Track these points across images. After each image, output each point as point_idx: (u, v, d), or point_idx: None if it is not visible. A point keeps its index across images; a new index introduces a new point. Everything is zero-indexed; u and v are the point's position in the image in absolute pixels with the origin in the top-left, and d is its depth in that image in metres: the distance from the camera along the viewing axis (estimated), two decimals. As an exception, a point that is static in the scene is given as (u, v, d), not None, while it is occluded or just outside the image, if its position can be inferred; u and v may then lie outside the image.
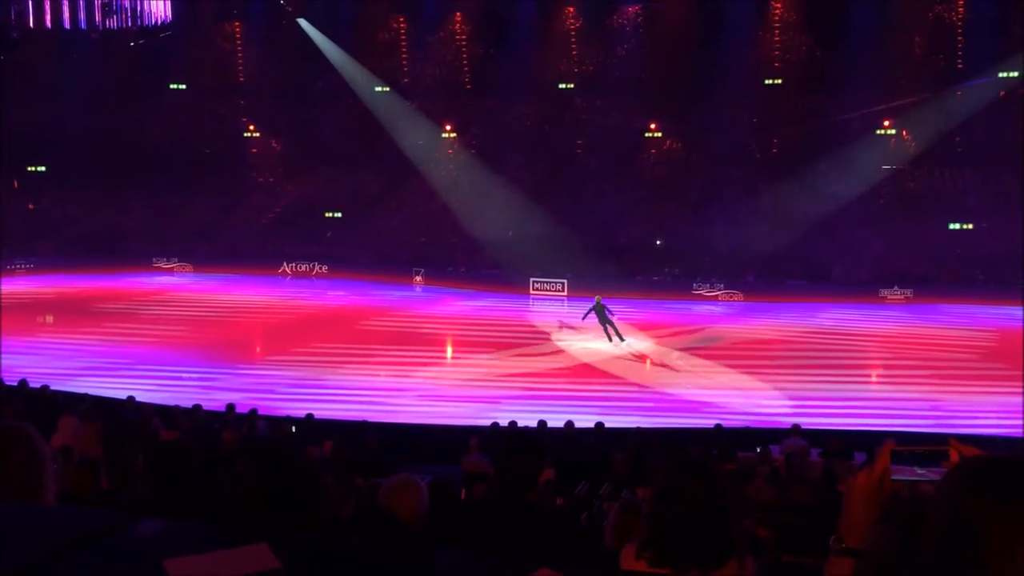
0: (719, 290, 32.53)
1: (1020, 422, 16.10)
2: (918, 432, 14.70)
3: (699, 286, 32.75)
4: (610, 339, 23.41)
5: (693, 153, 39.11)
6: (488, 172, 39.82)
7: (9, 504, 1.95)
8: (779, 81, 38.75)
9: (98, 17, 43.31)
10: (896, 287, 31.65)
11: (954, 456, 2.18)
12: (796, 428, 13.65)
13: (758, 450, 12.44)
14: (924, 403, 18.14)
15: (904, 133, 37.39)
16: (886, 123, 37.18)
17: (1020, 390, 17.87)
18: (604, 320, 23.47)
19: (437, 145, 41.49)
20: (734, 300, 31.99)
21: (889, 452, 2.20)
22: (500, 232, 37.23)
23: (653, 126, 39.57)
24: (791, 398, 18.59)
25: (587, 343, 23.88)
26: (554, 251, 34.84)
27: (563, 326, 26.99)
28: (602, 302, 23.64)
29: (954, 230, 34.47)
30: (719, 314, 29.87)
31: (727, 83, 37.06)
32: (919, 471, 2.29)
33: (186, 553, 1.46)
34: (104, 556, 1.50)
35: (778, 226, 34.86)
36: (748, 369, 21.07)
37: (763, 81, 38.72)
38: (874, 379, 21.87)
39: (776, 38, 39.04)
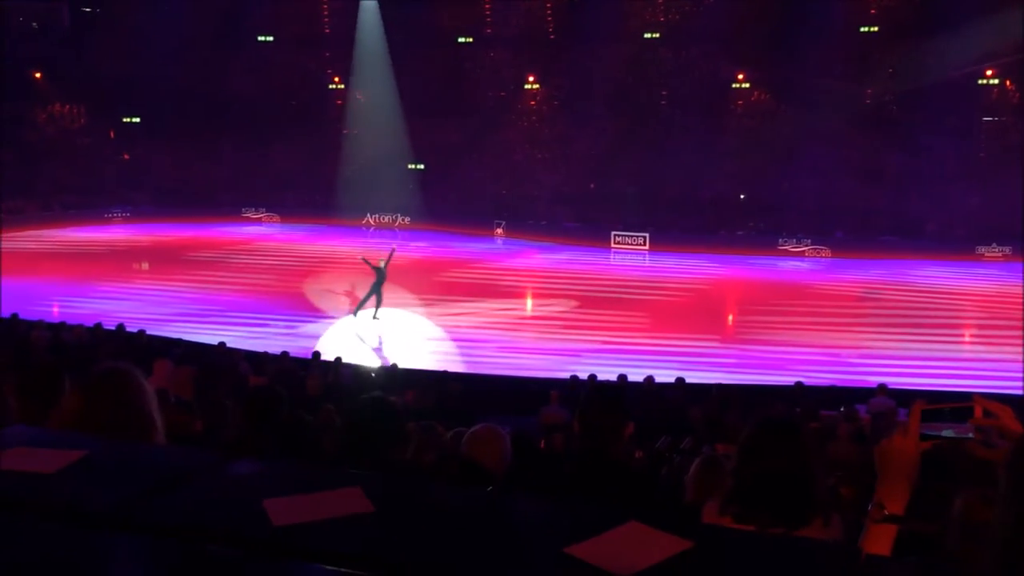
0: (806, 246, 31.79)
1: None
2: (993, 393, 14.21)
3: (785, 241, 32.05)
4: (361, 308, 20.75)
5: (782, 104, 38.01)
6: (570, 123, 39.48)
7: (114, 441, 2.03)
8: (875, 29, 37.23)
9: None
10: (994, 244, 30.47)
11: (978, 412, 2.11)
12: (883, 387, 13.34)
13: (841, 409, 12.21)
14: (1019, 365, 17.50)
15: (1008, 83, 35.64)
16: (988, 72, 35.47)
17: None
18: (378, 286, 20.53)
19: (519, 96, 41.25)
20: (821, 256, 31.24)
21: (920, 412, 2.13)
22: (582, 185, 36.97)
23: (740, 77, 38.54)
24: (879, 357, 18.15)
25: (667, 296, 23.68)
26: (636, 204, 34.50)
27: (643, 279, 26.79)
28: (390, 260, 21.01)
29: (1059, 185, 32.90)
30: (805, 270, 29.24)
31: (819, 32, 35.74)
32: (945, 428, 2.24)
33: (280, 494, 1.50)
34: (204, 494, 1.56)
35: (869, 180, 33.79)
36: (835, 327, 20.62)
37: (858, 29, 37.26)
38: (967, 339, 21.19)
39: (873, -18, 37.45)
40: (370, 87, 42.36)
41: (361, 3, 41.41)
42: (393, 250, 21.68)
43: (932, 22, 35.15)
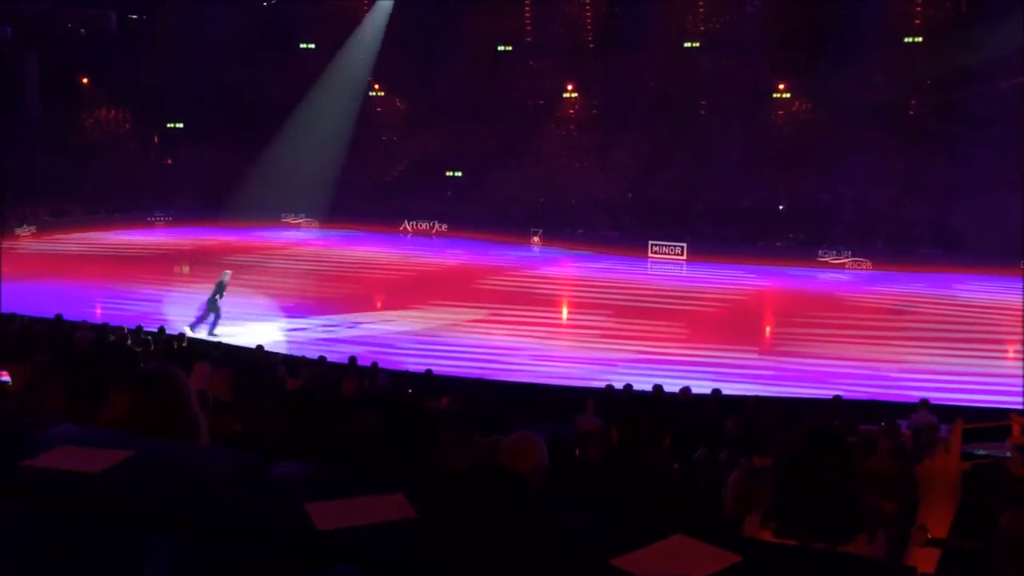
0: (846, 257, 31.42)
1: None
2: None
3: (825, 253, 31.69)
4: (199, 324, 19.79)
5: (822, 114, 37.63)
6: (609, 132, 39.43)
7: (160, 441, 2.05)
8: (919, 39, 36.76)
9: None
10: (1040, 258, 29.84)
11: (1016, 431, 2.06)
12: (925, 402, 13.11)
13: (882, 424, 12.02)
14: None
15: (1056, 95, 34.97)
16: (1036, 83, 34.85)
17: None
18: (213, 304, 19.93)
19: (558, 104, 41.28)
20: (862, 268, 30.85)
21: (961, 431, 2.08)
22: (620, 194, 36.87)
23: (781, 86, 38.26)
24: (920, 372, 17.88)
25: (703, 306, 23.52)
26: (674, 214, 34.33)
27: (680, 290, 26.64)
28: (226, 281, 20.39)
29: (1107, 199, 32.18)
30: (845, 282, 28.90)
31: (861, 42, 35.35)
32: (981, 448, 2.19)
33: (323, 498, 1.50)
34: (248, 495, 1.56)
35: (911, 191, 33.34)
36: (875, 340, 20.35)
37: (902, 39, 36.80)
38: (1011, 355, 20.78)
39: (918, -8, 37.02)
40: (410, 94, 42.60)
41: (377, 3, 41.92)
42: (227, 273, 20.85)
43: (976, 31, 34.63)
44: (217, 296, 19.92)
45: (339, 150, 41.19)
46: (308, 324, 21.33)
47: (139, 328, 16.70)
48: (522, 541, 1.38)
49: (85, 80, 42.10)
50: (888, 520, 6.18)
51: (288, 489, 1.62)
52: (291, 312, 22.64)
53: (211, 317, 19.83)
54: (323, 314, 22.54)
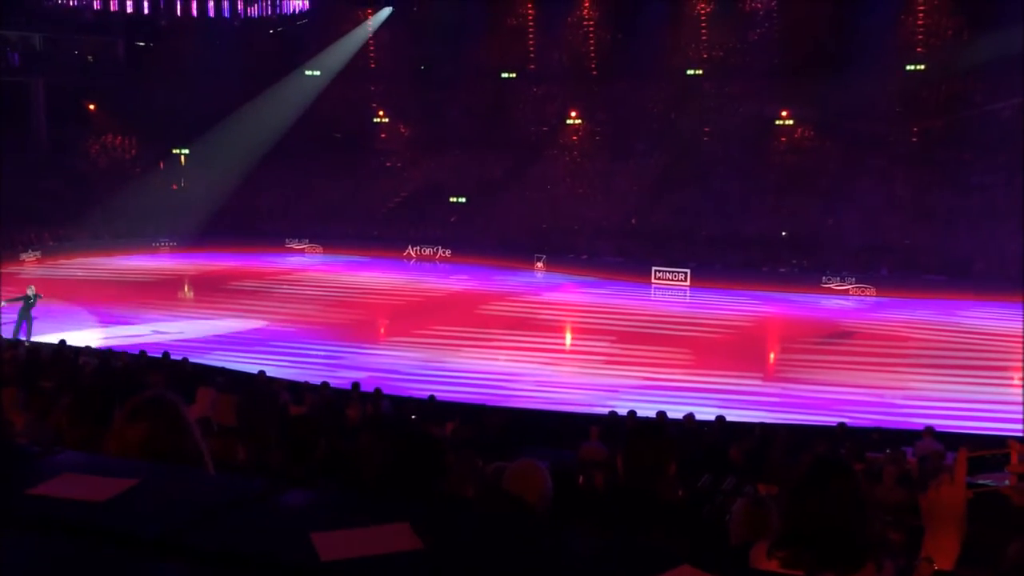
0: (850, 284, 31.38)
1: None
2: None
3: (829, 279, 31.67)
4: (16, 336, 20.20)
5: (826, 141, 37.78)
6: (612, 158, 39.57)
7: (166, 468, 2.05)
8: (922, 67, 36.94)
9: (240, 5, 45.18)
10: (1045, 285, 29.78)
11: (1015, 459, 2.04)
12: (930, 430, 13.05)
13: (887, 451, 11.95)
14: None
15: (1058, 122, 35.06)
16: (1038, 110, 34.95)
17: None
18: (25, 315, 20.80)
19: (562, 131, 41.47)
20: (866, 295, 30.81)
21: (966, 460, 2.06)
22: (623, 220, 36.96)
23: (784, 113, 38.42)
24: (924, 399, 17.81)
25: (707, 333, 23.46)
26: (677, 240, 34.37)
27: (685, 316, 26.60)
28: (35, 294, 21.09)
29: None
30: (850, 309, 28.85)
31: (865, 69, 35.55)
32: (985, 477, 2.16)
33: (328, 527, 1.49)
34: (253, 524, 1.55)
35: (915, 218, 33.35)
36: (879, 367, 20.28)
37: (905, 67, 37.00)
38: (1016, 383, 20.69)
39: (920, 21, 37.25)
40: (414, 120, 42.87)
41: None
42: (32, 287, 21.49)
43: (980, 60, 34.78)
44: (26, 307, 20.88)
45: (345, 176, 41.39)
46: (312, 350, 21.32)
47: (142, 353, 16.69)
48: (529, 571, 1.37)
49: (92, 106, 42.41)
50: (895, 550, 6.14)
51: (293, 518, 1.61)
52: (295, 338, 22.63)
53: (24, 325, 20.74)
54: (327, 340, 22.53)
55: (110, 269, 33.80)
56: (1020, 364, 22.21)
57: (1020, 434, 14.62)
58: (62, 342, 17.11)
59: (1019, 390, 19.81)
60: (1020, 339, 24.56)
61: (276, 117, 41.61)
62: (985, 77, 35.20)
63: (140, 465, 2.01)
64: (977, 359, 21.68)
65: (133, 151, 43.02)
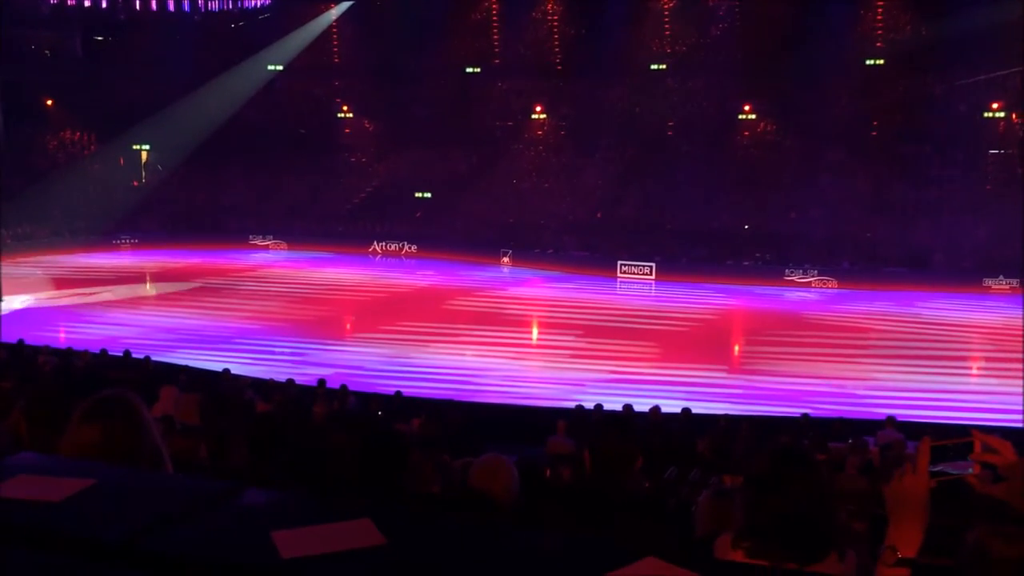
0: (812, 276, 31.76)
1: None
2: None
3: (791, 272, 32.02)
4: None
5: (788, 136, 38.17)
6: (577, 153, 39.66)
7: (123, 470, 2.01)
8: (881, 61, 37.42)
9: (200, 0, 44.62)
10: (1001, 276, 30.38)
11: (978, 447, 2.07)
12: (891, 420, 13.24)
13: (850, 441, 12.11)
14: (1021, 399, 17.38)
15: (1014, 116, 35.72)
16: (995, 105, 35.58)
17: None
18: None
19: (527, 126, 41.48)
20: (828, 287, 31.19)
21: (928, 449, 2.09)
22: (589, 214, 37.06)
23: (747, 108, 38.74)
24: (886, 389, 18.05)
25: (673, 326, 23.61)
26: (643, 234, 34.54)
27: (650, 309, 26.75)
28: None
29: (1066, 218, 32.81)
30: (812, 301, 29.18)
31: (825, 64, 35.94)
32: (947, 466, 2.18)
33: (289, 525, 1.48)
34: (213, 524, 1.53)
35: (875, 211, 33.80)
36: (842, 359, 20.54)
37: (864, 62, 37.46)
38: (975, 372, 21.07)
39: (879, 16, 37.70)
40: (379, 116, 42.63)
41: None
42: None
43: (939, 55, 35.29)
44: None
45: (309, 172, 41.09)
46: (277, 347, 21.14)
47: (103, 351, 16.45)
48: (493, 567, 1.36)
49: (49, 102, 41.67)
50: (858, 539, 6.21)
51: (253, 517, 1.59)
52: (260, 335, 22.43)
53: None
54: (291, 336, 22.36)
55: (70, 267, 33.27)
56: (979, 354, 22.63)
57: (981, 422, 14.89)
58: (20, 341, 16.80)
59: (978, 379, 20.19)
60: (978, 329, 25.05)
61: (238, 113, 41.18)
62: (941, 70, 35.75)
63: (97, 466, 1.97)
64: (937, 349, 22.04)
65: (92, 147, 42.35)
